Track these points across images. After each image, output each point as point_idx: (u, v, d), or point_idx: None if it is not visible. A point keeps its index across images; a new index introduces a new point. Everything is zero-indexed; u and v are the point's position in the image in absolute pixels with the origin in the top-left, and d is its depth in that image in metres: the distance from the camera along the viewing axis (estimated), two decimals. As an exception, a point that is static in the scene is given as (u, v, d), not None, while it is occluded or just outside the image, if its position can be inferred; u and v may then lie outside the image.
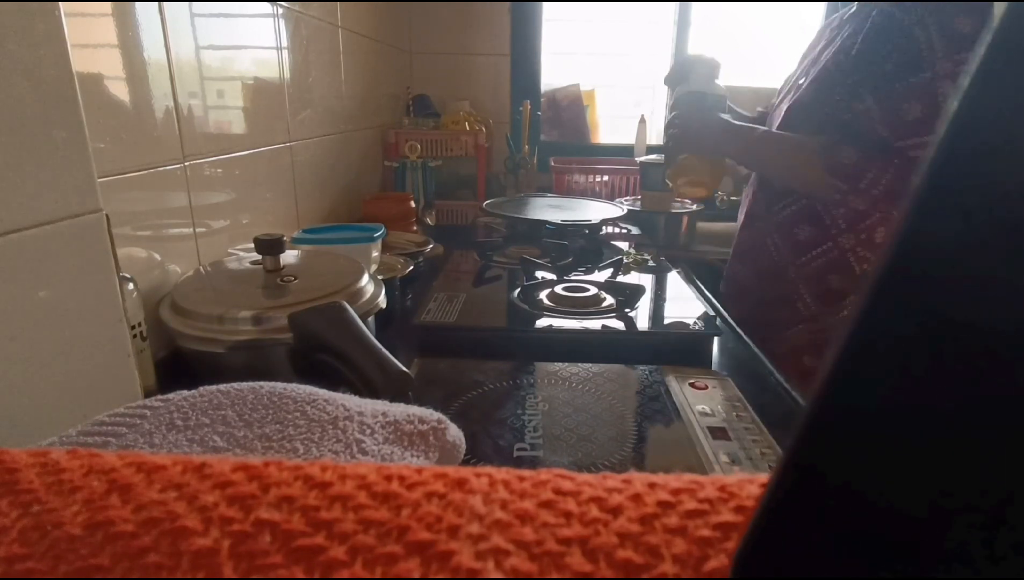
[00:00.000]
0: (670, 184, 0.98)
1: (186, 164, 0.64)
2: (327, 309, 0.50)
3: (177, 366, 0.56)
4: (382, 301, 0.60)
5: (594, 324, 0.70)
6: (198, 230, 0.66)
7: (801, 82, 0.89)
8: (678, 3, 1.74)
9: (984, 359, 0.09)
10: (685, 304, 0.81)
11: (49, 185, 0.36)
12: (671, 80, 0.98)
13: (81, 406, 0.39)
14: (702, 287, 0.91)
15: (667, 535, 0.14)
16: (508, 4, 1.68)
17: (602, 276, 0.88)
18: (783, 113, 0.90)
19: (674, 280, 0.91)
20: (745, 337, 0.74)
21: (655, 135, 1.82)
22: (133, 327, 0.49)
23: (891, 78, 0.75)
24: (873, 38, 0.78)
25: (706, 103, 0.92)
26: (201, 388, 0.33)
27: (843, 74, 0.80)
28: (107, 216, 0.40)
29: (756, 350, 0.71)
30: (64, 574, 0.13)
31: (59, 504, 0.15)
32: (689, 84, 0.94)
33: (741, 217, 1.00)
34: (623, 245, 1.14)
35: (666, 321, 0.75)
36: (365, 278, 0.61)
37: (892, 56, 0.75)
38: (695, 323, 0.72)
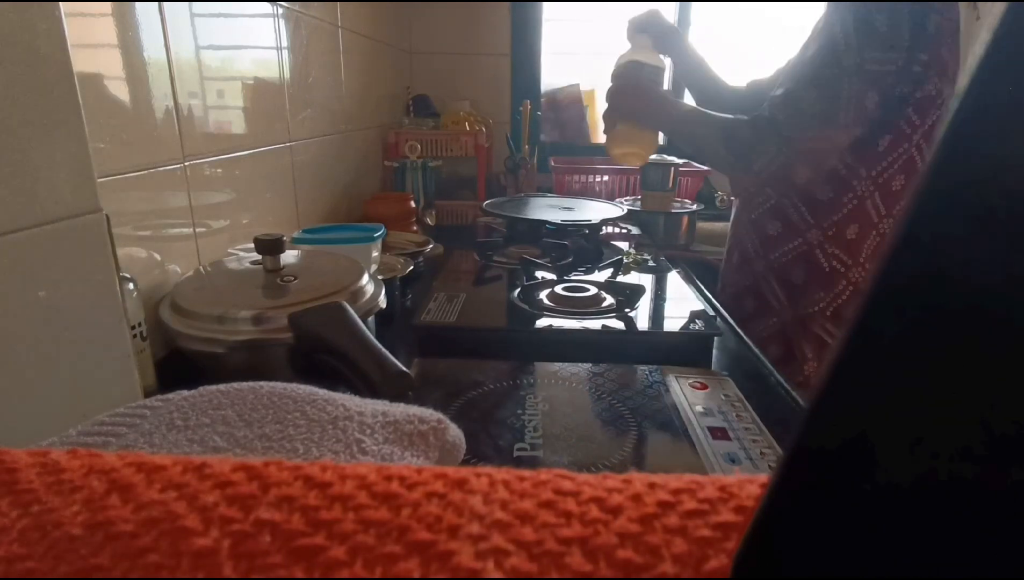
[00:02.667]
0: (607, 147, 0.99)
1: (186, 164, 0.64)
2: (327, 309, 0.50)
3: (177, 366, 0.56)
4: (382, 301, 0.60)
5: (594, 324, 0.70)
6: (198, 230, 0.66)
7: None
8: (678, 3, 1.74)
9: (986, 356, 0.09)
10: (685, 304, 0.81)
11: (49, 185, 0.36)
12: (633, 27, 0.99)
13: (81, 406, 0.39)
14: (702, 287, 0.91)
15: (667, 535, 0.14)
16: (508, 4, 1.68)
17: (602, 276, 0.88)
18: None
19: (674, 280, 0.91)
20: (745, 337, 0.74)
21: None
22: (133, 327, 0.49)
23: (804, 65, 0.76)
24: (811, 36, 0.79)
25: (643, 73, 0.93)
26: (201, 388, 0.33)
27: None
28: (107, 216, 0.40)
29: (756, 350, 0.71)
30: (64, 574, 0.13)
31: (59, 504, 0.15)
32: (630, 53, 0.95)
33: (731, 217, 1.02)
34: (623, 245, 1.14)
35: (666, 321, 0.75)
36: (365, 278, 0.61)
37: (811, 46, 0.77)
38: (695, 323, 0.72)
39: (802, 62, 0.78)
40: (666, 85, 0.97)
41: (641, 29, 0.96)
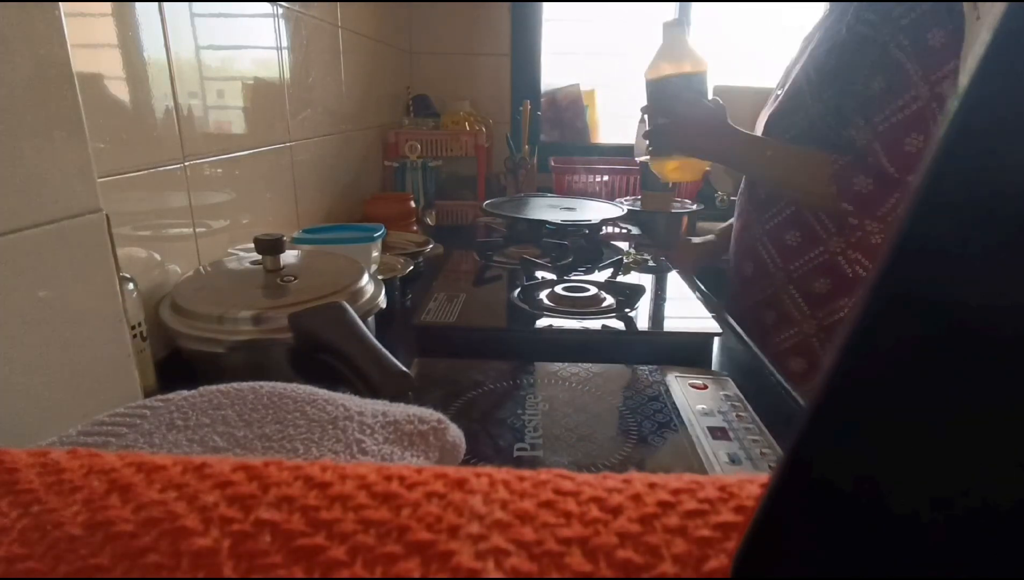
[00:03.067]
0: (654, 170, 0.94)
1: (186, 164, 0.64)
2: (327, 309, 0.50)
3: (177, 366, 0.56)
4: (382, 301, 0.60)
5: (594, 324, 0.70)
6: (198, 230, 0.66)
7: (779, 93, 0.88)
8: (678, 3, 1.74)
9: (985, 356, 0.09)
10: (685, 304, 0.81)
11: (49, 185, 0.36)
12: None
13: (81, 406, 0.39)
14: (702, 287, 0.91)
15: (667, 535, 0.14)
16: (508, 4, 1.68)
17: (602, 276, 0.88)
18: (763, 122, 0.89)
19: (674, 280, 0.91)
20: (745, 337, 0.74)
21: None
22: (133, 327, 0.49)
23: (882, 104, 0.74)
24: (850, 56, 0.76)
25: (692, 87, 0.84)
26: (201, 388, 0.33)
27: (816, 88, 0.79)
28: (107, 216, 0.40)
29: (756, 350, 0.71)
30: (64, 574, 0.13)
31: (59, 504, 0.15)
32: (667, 58, 0.85)
33: (736, 220, 1.00)
34: (623, 245, 1.14)
35: (666, 321, 0.75)
36: (365, 278, 0.61)
37: (876, 78, 0.74)
38: (695, 323, 0.72)
39: (852, 93, 0.75)
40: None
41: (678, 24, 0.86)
